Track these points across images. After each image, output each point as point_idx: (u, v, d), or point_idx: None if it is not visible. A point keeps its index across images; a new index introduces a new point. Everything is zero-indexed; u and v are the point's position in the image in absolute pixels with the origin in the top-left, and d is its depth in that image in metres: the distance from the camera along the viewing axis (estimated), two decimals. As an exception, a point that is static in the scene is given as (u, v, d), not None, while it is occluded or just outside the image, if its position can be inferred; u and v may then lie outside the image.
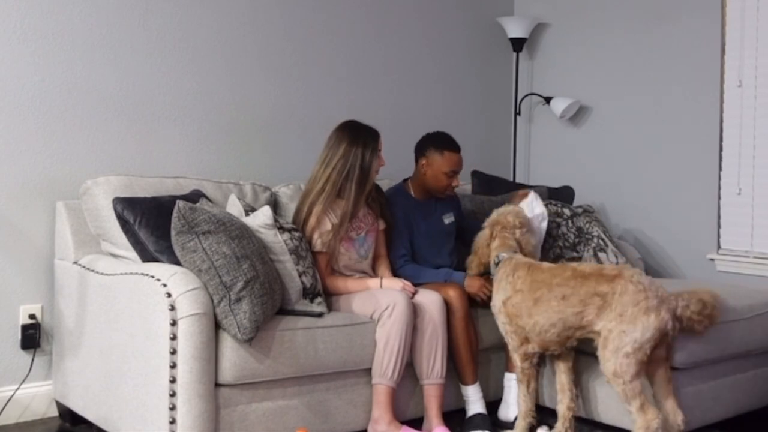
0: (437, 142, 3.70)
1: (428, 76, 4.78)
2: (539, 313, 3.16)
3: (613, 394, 3.38)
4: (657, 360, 3.08)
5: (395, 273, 3.62)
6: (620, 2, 4.71)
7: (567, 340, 3.17)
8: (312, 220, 3.38)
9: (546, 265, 3.29)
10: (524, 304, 3.20)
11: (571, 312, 3.10)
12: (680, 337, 3.19)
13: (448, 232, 3.84)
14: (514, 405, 3.47)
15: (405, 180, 3.85)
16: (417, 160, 3.75)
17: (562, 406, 3.32)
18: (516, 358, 3.30)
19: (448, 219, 3.84)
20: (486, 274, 3.56)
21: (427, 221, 3.76)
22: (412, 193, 3.78)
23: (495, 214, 3.56)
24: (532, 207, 3.81)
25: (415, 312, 3.30)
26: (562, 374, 3.34)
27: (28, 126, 3.53)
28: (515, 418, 3.40)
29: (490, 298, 3.47)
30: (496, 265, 3.40)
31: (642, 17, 4.60)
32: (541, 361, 3.44)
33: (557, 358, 3.34)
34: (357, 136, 3.47)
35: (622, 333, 2.99)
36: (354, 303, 3.34)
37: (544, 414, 3.50)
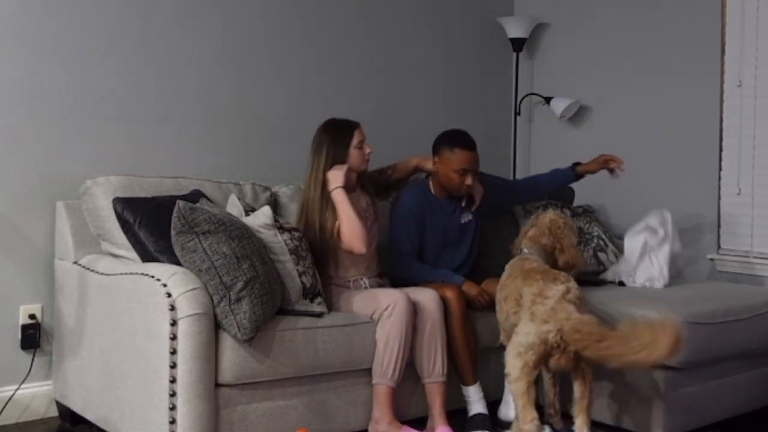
0: (450, 139, 3.66)
1: (428, 76, 4.78)
2: (501, 311, 3.32)
3: (609, 394, 3.38)
4: (572, 372, 3.08)
5: (395, 268, 3.62)
6: (620, 2, 4.71)
7: None
8: (328, 225, 3.41)
9: (529, 266, 3.27)
10: (501, 303, 3.33)
11: (512, 311, 3.21)
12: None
13: (463, 231, 3.79)
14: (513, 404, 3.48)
15: (428, 176, 3.81)
16: (433, 159, 3.72)
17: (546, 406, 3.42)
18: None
19: (466, 218, 3.79)
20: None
21: (442, 220, 3.72)
22: (432, 190, 3.74)
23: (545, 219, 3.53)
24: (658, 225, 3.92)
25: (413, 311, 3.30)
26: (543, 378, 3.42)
27: (28, 126, 3.53)
28: (515, 418, 3.40)
29: (488, 303, 3.51)
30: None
31: (642, 17, 4.60)
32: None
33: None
34: (333, 135, 3.49)
35: (516, 334, 3.06)
36: (354, 303, 3.34)
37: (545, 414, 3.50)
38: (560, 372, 3.16)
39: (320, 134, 3.53)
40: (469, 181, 3.63)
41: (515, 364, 3.01)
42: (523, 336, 3.00)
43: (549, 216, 3.48)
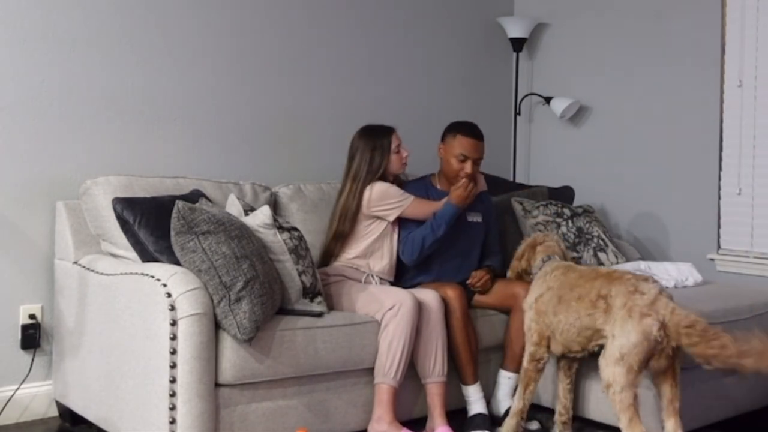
0: (455, 125, 3.65)
1: (428, 76, 4.78)
2: (562, 311, 3.13)
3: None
4: (661, 373, 2.95)
5: (408, 253, 3.58)
6: (620, 2, 4.71)
7: (588, 342, 3.07)
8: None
9: (583, 267, 3.24)
10: (551, 301, 3.17)
11: (585, 312, 3.04)
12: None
13: (471, 233, 3.71)
14: (503, 401, 3.49)
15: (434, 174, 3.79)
16: (439, 146, 3.71)
17: (556, 411, 3.37)
18: (525, 358, 3.26)
19: (474, 218, 3.72)
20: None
21: None
22: (438, 185, 3.72)
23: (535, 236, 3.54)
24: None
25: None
26: (560, 382, 3.35)
27: (28, 126, 3.53)
28: (505, 413, 3.40)
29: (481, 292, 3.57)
30: (540, 266, 3.38)
31: (642, 17, 4.61)
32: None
33: (562, 367, 3.34)
34: (372, 141, 3.58)
35: (613, 338, 2.90)
36: (357, 302, 3.34)
37: (537, 411, 3.51)
38: (658, 372, 2.96)
39: (358, 141, 3.61)
40: (468, 168, 3.58)
41: (618, 371, 2.82)
42: (623, 338, 2.83)
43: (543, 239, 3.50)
